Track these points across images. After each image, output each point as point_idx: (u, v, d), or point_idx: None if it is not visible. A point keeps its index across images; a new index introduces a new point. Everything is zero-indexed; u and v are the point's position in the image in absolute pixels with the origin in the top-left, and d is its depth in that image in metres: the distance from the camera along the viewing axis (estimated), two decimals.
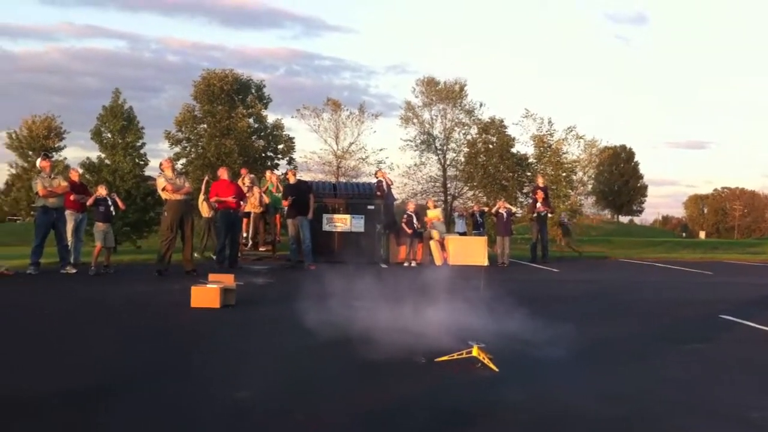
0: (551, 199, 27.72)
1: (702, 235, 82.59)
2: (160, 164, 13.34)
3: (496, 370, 5.44)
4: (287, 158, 38.02)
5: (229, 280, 8.95)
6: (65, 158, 67.17)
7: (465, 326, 6.83)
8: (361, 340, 6.35)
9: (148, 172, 34.81)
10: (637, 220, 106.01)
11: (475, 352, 5.67)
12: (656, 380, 5.52)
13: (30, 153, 63.18)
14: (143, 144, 34.87)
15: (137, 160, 34.67)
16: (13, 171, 64.59)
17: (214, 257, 15.91)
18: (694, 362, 6.25)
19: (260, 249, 17.31)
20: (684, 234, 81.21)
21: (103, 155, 34.59)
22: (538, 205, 18.33)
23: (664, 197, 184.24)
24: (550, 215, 19.98)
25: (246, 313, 8.29)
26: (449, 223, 22.19)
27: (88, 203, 13.10)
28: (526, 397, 4.88)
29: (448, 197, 44.30)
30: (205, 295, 8.47)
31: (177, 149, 36.95)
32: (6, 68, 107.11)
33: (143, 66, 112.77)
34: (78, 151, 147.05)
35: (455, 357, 5.70)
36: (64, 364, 5.60)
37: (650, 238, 66.60)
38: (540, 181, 19.67)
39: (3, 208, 68.28)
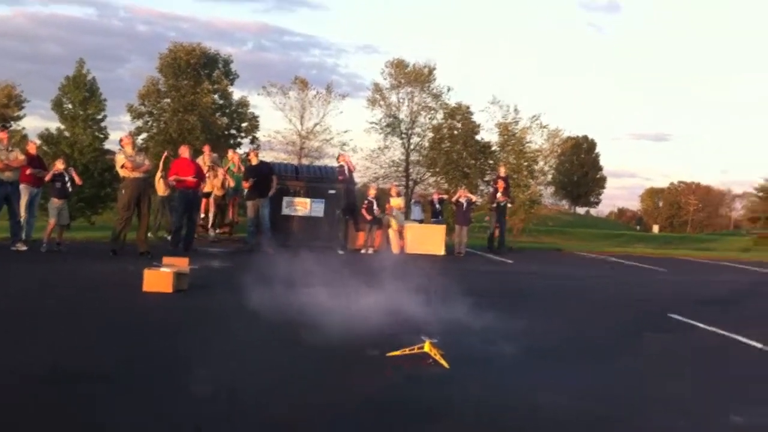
0: (512, 189, 27.98)
1: (655, 229, 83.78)
2: (120, 140, 13.15)
3: (447, 366, 5.51)
4: (251, 137, 37.86)
5: (183, 263, 8.91)
6: (24, 128, 66.25)
7: (413, 318, 6.94)
8: (313, 331, 6.39)
9: (107, 146, 34.33)
10: (593, 211, 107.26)
11: (426, 347, 5.72)
12: (605, 377, 5.69)
13: None
14: (104, 117, 34.32)
15: (97, 134, 34.13)
16: None
17: (168, 237, 15.82)
18: (641, 359, 6.42)
19: (217, 231, 17.23)
20: (638, 227, 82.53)
21: (62, 126, 34.00)
22: (499, 194, 18.43)
23: (622, 189, 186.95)
24: (510, 205, 20.14)
25: (197, 299, 8.28)
26: (407, 210, 22.20)
27: (45, 179, 12.88)
28: (475, 394, 4.97)
29: (410, 182, 44.44)
30: (158, 279, 8.42)
31: (139, 123, 36.49)
32: None
33: (111, 34, 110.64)
34: (38, 121, 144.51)
35: (407, 352, 5.74)
36: (9, 354, 5.54)
37: (606, 231, 67.51)
38: (502, 171, 19.82)
39: None
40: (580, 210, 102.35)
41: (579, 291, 11.68)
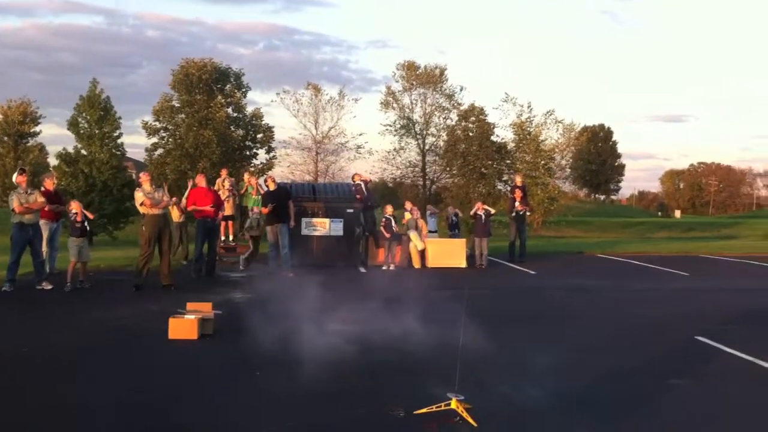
0: (529, 192, 27.91)
1: (677, 214, 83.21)
2: (138, 177, 13.31)
3: (475, 424, 5.48)
4: (266, 147, 38.01)
5: (206, 308, 8.96)
6: (40, 144, 66.93)
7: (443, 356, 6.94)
8: (343, 382, 6.46)
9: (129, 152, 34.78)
10: (613, 197, 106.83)
11: (453, 404, 5.72)
12: None
13: (5, 138, 62.64)
14: (120, 134, 34.71)
15: (114, 151, 34.50)
16: None
17: (184, 262, 16.02)
18: (675, 409, 6.18)
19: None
20: (660, 213, 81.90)
21: (79, 145, 34.37)
22: (517, 204, 18.42)
23: (641, 171, 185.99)
24: (528, 213, 20.06)
25: (224, 345, 8.30)
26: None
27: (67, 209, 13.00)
28: None
29: (427, 182, 44.41)
30: (183, 326, 8.47)
31: (154, 139, 36.81)
32: None
33: (121, 42, 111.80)
34: (54, 128, 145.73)
35: (434, 409, 5.73)
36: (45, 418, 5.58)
37: (627, 218, 67.32)
38: (518, 180, 19.74)
39: None
40: (601, 197, 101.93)
41: (603, 309, 11.56)
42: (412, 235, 17.10)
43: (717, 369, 7.63)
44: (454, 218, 19.83)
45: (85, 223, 12.73)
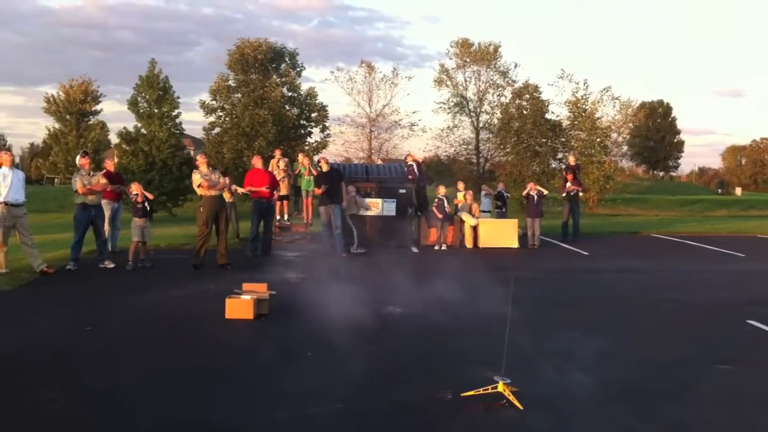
0: (585, 170, 27.65)
1: (738, 191, 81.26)
2: (195, 159, 13.67)
3: (521, 408, 5.58)
4: (320, 126, 38.37)
5: (261, 288, 9.20)
6: (101, 122, 68.39)
7: (490, 345, 7.05)
8: (392, 365, 6.64)
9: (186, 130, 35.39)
10: (673, 173, 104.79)
11: (500, 387, 5.82)
12: (687, 423, 5.53)
13: (67, 117, 64.17)
14: (179, 113, 35.39)
15: (173, 130, 35.23)
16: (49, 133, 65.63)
17: (236, 240, 16.41)
18: (724, 395, 6.14)
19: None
20: (720, 190, 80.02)
21: (139, 125, 35.18)
22: (568, 185, 18.38)
23: (702, 146, 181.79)
24: (581, 194, 19.93)
25: (278, 326, 8.53)
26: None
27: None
28: None
29: (481, 160, 44.26)
30: (239, 306, 8.74)
31: (212, 118, 37.47)
32: (47, 22, 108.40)
33: (178, 19, 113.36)
34: (115, 105, 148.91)
35: (480, 392, 5.84)
36: (108, 401, 5.86)
37: (685, 196, 66.02)
38: (571, 160, 19.63)
39: (41, 171, 69.74)
40: (659, 174, 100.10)
41: (655, 293, 11.43)
42: (464, 215, 17.19)
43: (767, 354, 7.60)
44: (504, 193, 19.96)
45: (146, 204, 13.09)
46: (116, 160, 15.58)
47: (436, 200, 16.90)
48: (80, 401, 5.78)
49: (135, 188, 13.16)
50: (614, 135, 39.26)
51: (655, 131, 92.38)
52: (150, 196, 13.51)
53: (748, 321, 8.96)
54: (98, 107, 66.95)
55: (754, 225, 26.57)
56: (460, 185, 18.42)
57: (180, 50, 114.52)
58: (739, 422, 5.53)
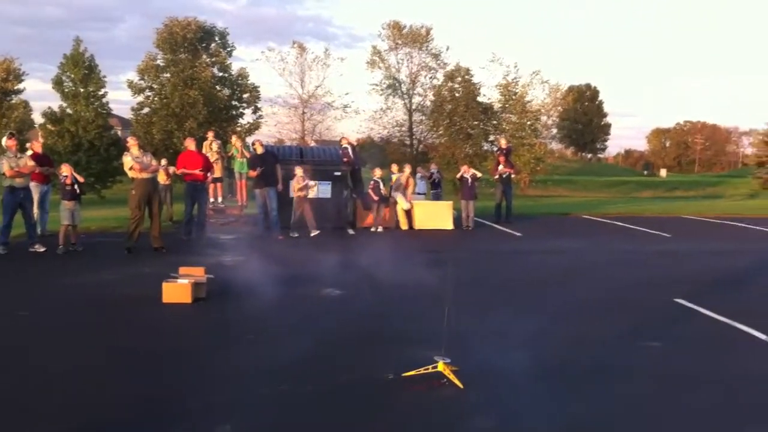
0: (516, 152, 28.05)
1: (663, 173, 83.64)
2: (126, 141, 13.38)
3: (461, 386, 5.70)
4: (252, 107, 37.96)
5: (199, 272, 9.13)
6: (24, 101, 66.31)
7: (427, 322, 7.15)
8: (333, 346, 6.69)
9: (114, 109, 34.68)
10: (600, 155, 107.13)
11: (440, 367, 5.94)
12: (618, 398, 5.70)
13: None
14: (105, 93, 34.57)
15: (100, 110, 34.37)
16: None
17: (169, 223, 16.20)
18: (653, 372, 6.35)
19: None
20: (645, 172, 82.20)
21: (64, 104, 34.21)
22: (501, 167, 18.67)
23: (628, 129, 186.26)
24: (513, 175, 20.24)
25: (217, 309, 8.48)
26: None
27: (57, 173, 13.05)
28: (490, 425, 5.09)
29: (414, 141, 44.49)
30: (177, 290, 8.66)
31: (140, 98, 36.66)
32: None
33: None
34: (38, 84, 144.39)
35: (421, 372, 5.94)
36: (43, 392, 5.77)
37: (612, 177, 67.68)
38: (502, 143, 19.90)
39: None
40: (587, 156, 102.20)
41: (585, 272, 11.77)
42: (398, 197, 17.29)
43: (694, 331, 7.87)
44: (436, 175, 20.19)
45: (75, 186, 12.80)
46: (42, 140, 15.09)
47: (372, 182, 16.98)
48: (21, 387, 5.67)
49: (65, 169, 12.84)
50: (544, 118, 39.89)
51: (583, 114, 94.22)
52: (80, 179, 13.21)
53: (675, 300, 9.27)
54: (21, 86, 64.84)
55: (679, 206, 27.42)
56: (394, 168, 18.49)
57: (105, 27, 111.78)
58: (667, 397, 5.73)
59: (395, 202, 17.40)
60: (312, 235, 15.39)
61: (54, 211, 14.18)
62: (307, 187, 15.78)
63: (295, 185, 15.66)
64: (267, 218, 15.29)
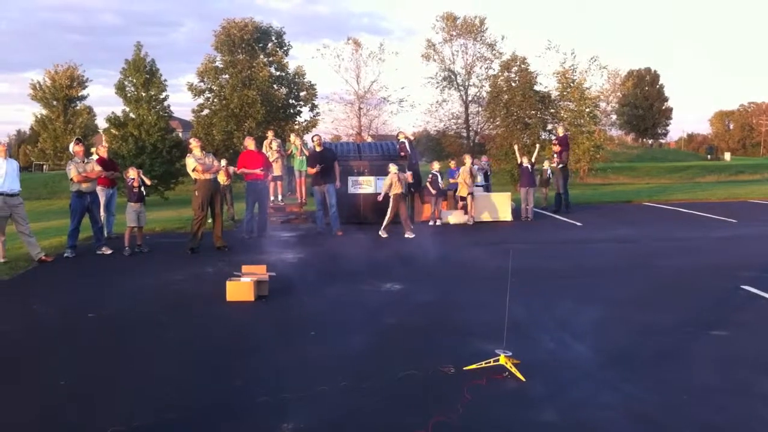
0: (574, 140, 27.65)
1: (727, 156, 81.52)
2: (188, 143, 13.66)
3: (523, 379, 5.71)
4: (309, 105, 38.28)
5: (261, 270, 9.29)
6: (88, 107, 68.11)
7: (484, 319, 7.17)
8: (394, 341, 6.76)
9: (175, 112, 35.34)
10: (662, 140, 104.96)
11: (502, 360, 5.95)
12: (684, 388, 5.61)
13: (54, 102, 63.93)
14: (166, 96, 35.31)
15: (161, 113, 35.14)
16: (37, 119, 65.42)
17: (231, 221, 16.43)
18: (719, 360, 6.26)
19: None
20: (709, 156, 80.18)
21: (127, 109, 35.07)
22: (554, 157, 18.57)
23: (690, 112, 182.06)
24: (561, 166, 19.88)
25: (279, 306, 8.61)
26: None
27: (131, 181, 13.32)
28: (553, 417, 5.07)
29: (471, 133, 44.30)
30: (240, 289, 8.84)
31: (200, 100, 37.35)
32: (28, 7, 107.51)
33: (160, 0, 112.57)
34: (100, 90, 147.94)
35: (483, 365, 5.97)
36: (118, 395, 5.95)
37: (675, 163, 66.23)
38: (559, 131, 19.70)
39: (30, 158, 69.66)
40: (648, 141, 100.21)
41: (649, 260, 11.56)
42: (462, 180, 17.02)
43: (761, 318, 7.73)
44: (486, 167, 20.09)
45: (142, 189, 13.13)
46: (106, 145, 15.50)
47: (430, 176, 16.98)
48: (90, 382, 5.87)
49: (132, 173, 13.17)
50: (603, 104, 39.34)
51: (643, 99, 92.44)
52: (148, 182, 13.54)
53: (741, 287, 9.10)
54: (84, 92, 66.73)
55: (744, 190, 26.76)
56: (453, 164, 18.45)
57: (163, 31, 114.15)
58: (734, 385, 5.65)
59: (454, 196, 17.38)
60: (407, 236, 14.67)
61: (120, 213, 14.55)
62: (403, 185, 15.11)
63: (390, 184, 14.96)
64: (326, 215, 15.44)
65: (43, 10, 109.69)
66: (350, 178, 16.80)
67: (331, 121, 42.71)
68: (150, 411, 5.28)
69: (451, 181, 16.73)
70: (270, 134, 18.93)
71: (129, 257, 12.62)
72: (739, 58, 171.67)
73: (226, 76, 36.72)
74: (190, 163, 12.80)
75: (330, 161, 15.35)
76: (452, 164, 17.78)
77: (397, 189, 14.86)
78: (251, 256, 11.45)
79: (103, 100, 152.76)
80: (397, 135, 18.67)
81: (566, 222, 17.01)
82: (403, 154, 17.22)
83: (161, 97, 35.17)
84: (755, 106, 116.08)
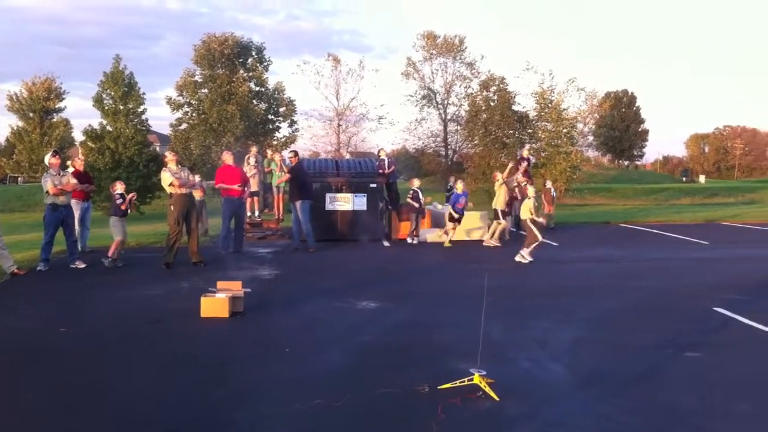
0: (552, 161, 27.66)
1: (702, 179, 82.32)
2: (164, 157, 13.58)
3: (497, 398, 5.69)
4: (288, 120, 38.26)
5: (236, 287, 9.22)
6: (65, 119, 67.67)
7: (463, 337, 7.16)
8: (369, 359, 6.73)
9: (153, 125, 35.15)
10: (638, 162, 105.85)
11: (476, 379, 5.94)
12: (659, 409, 5.62)
13: (30, 114, 63.46)
14: (144, 110, 35.11)
15: (139, 126, 34.91)
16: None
17: (205, 237, 16.33)
18: (694, 381, 6.30)
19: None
20: (684, 179, 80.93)
21: (104, 122, 34.81)
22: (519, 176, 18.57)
23: (665, 135, 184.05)
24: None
25: (254, 323, 8.56)
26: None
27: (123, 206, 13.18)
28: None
29: (449, 152, 44.47)
30: (214, 305, 8.76)
31: (178, 114, 37.21)
32: (15, 18, 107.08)
33: (143, 13, 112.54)
34: (78, 102, 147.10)
35: (457, 384, 5.95)
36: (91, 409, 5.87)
37: (650, 185, 66.75)
38: (525, 153, 19.43)
39: (5, 170, 68.96)
40: (624, 163, 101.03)
41: (624, 281, 11.62)
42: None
43: (735, 340, 7.77)
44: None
45: (127, 203, 13.10)
46: (83, 158, 15.38)
47: (411, 192, 16.93)
48: (63, 398, 5.79)
49: (119, 187, 13.10)
50: (580, 125, 39.58)
51: (620, 120, 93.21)
52: (131, 196, 13.50)
53: (715, 308, 9.17)
54: (62, 104, 66.31)
55: (718, 213, 27.03)
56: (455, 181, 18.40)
57: (145, 45, 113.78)
58: (708, 407, 5.67)
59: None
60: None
61: (95, 227, 14.43)
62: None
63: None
64: (300, 231, 15.37)
65: (27, 23, 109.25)
66: (328, 195, 16.75)
67: (310, 137, 42.83)
68: (123, 427, 5.22)
69: (458, 206, 16.52)
70: (253, 150, 18.89)
71: (104, 271, 12.51)
72: (715, 81, 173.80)
73: (205, 90, 36.61)
74: (166, 177, 12.72)
75: (304, 176, 15.30)
76: (459, 187, 16.98)
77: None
78: (227, 272, 11.37)
79: (81, 113, 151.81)
80: (378, 152, 18.68)
81: (543, 242, 17.02)
82: (382, 171, 17.22)
83: (139, 110, 34.95)
84: (730, 130, 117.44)
